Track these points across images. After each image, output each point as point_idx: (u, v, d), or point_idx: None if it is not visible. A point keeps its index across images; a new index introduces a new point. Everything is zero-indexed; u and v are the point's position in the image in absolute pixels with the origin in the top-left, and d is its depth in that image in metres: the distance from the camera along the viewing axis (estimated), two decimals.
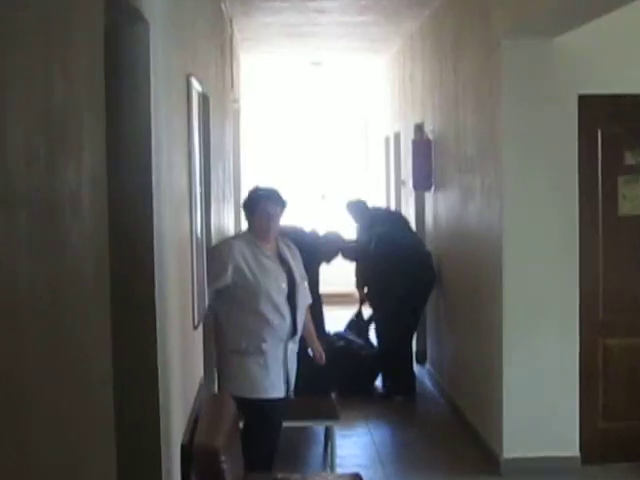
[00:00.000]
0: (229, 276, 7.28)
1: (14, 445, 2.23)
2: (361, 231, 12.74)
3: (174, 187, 5.56)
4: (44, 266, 2.55)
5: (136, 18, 4.30)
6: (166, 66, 5.25)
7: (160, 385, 4.60)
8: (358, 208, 12.96)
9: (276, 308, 7.37)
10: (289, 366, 7.55)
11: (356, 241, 12.63)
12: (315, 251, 11.07)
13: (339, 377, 10.72)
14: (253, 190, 7.77)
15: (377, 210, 13.43)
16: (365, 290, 12.58)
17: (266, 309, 7.31)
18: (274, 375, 7.39)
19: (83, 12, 3.15)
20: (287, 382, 7.57)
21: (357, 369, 11.80)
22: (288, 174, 19.24)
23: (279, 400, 7.49)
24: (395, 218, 12.90)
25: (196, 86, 6.86)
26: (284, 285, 7.47)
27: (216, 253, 7.53)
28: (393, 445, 10.06)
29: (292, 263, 7.64)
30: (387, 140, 17.17)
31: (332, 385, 9.92)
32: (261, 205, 7.44)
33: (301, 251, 9.41)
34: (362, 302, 12.91)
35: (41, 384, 2.49)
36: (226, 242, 7.91)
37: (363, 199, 13.64)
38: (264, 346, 7.32)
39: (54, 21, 2.73)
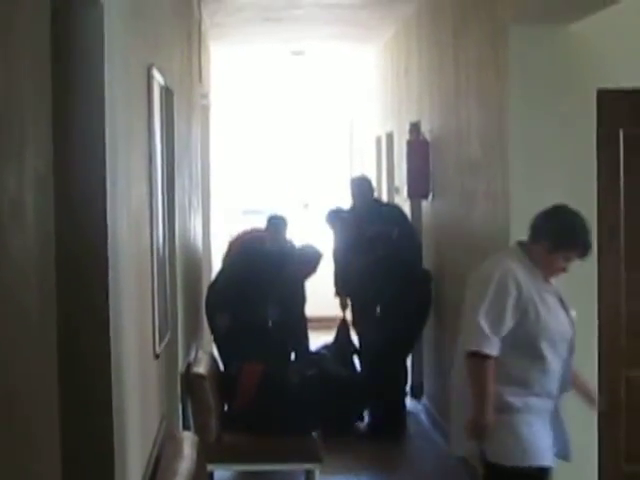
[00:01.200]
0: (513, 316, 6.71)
1: None
2: (353, 222, 12.43)
3: (132, 193, 5.54)
4: None
5: (89, 0, 4.28)
6: (123, 55, 5.25)
7: (115, 426, 4.58)
8: (362, 186, 12.68)
9: (558, 356, 6.94)
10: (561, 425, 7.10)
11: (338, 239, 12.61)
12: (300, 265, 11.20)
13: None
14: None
15: (382, 205, 13.27)
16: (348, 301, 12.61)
17: (547, 356, 6.84)
18: (546, 436, 6.92)
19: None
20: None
21: (339, 399, 11.51)
22: (266, 180, 19.24)
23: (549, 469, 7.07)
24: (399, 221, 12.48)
25: (158, 78, 6.86)
26: (569, 329, 7.03)
27: (496, 285, 6.77)
28: None
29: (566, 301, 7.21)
30: (378, 141, 17.19)
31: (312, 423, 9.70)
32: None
33: (287, 265, 9.53)
34: (344, 308, 12.81)
35: None
36: (506, 269, 6.94)
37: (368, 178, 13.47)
38: (537, 401, 6.89)
39: None
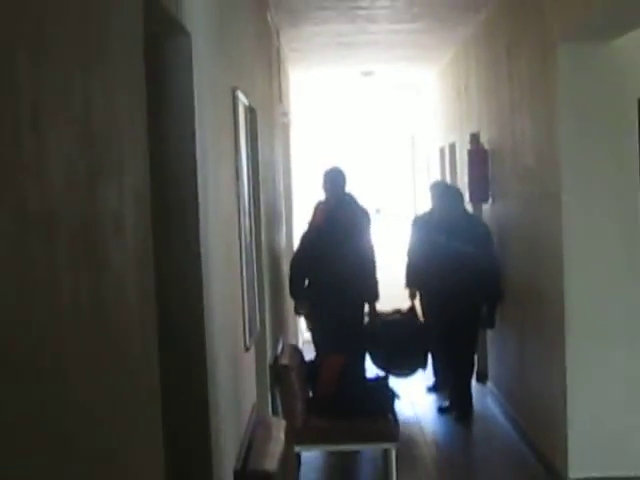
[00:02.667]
0: None
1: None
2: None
3: (222, 205, 5.55)
4: (85, 282, 2.55)
5: (177, 30, 4.30)
6: (210, 79, 5.26)
7: (211, 412, 4.60)
8: (449, 194, 12.16)
9: None
10: None
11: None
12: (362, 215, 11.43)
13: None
14: None
15: (470, 218, 12.44)
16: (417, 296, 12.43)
17: None
18: None
19: (121, 24, 3.15)
20: None
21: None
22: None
23: None
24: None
25: (242, 99, 6.87)
26: None
27: None
28: (455, 466, 9.99)
29: None
30: (442, 151, 17.14)
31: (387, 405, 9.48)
32: None
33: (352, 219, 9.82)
34: (413, 297, 12.47)
35: (86, 404, 2.49)
36: None
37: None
38: None
39: (91, 35, 2.73)
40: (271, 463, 5.51)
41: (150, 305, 3.42)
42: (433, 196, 12.35)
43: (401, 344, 11.30)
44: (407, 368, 11.64)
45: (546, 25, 9.06)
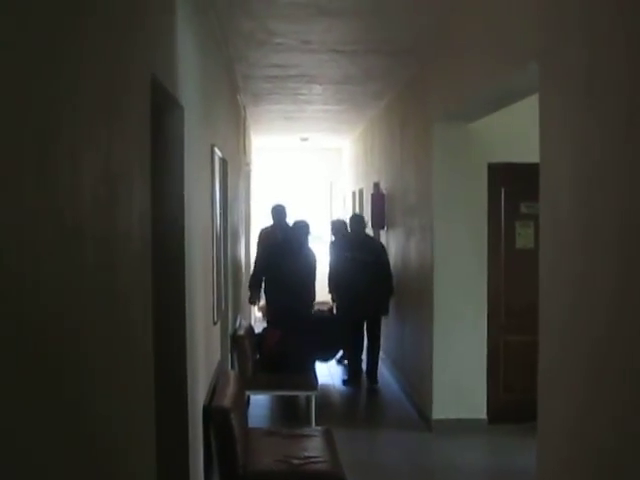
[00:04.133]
0: None
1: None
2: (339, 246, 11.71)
3: (200, 224, 5.56)
4: (106, 279, 2.57)
5: (174, 104, 4.32)
6: (196, 138, 5.28)
7: (188, 365, 4.61)
8: (358, 222, 11.57)
9: None
10: None
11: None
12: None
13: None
14: None
15: (371, 238, 11.87)
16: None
17: None
18: None
19: (135, 99, 3.18)
20: None
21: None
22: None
23: None
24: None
25: (218, 153, 6.88)
26: None
27: None
28: (357, 409, 10.01)
29: None
30: (354, 194, 17.19)
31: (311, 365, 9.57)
32: None
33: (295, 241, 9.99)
34: (334, 301, 11.91)
35: (99, 365, 2.51)
36: None
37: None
38: None
39: (112, 105, 2.76)
40: (228, 401, 5.51)
41: (149, 293, 3.44)
42: (351, 226, 11.65)
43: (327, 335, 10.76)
44: (328, 353, 11.00)
45: (426, 110, 9.14)
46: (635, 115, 3.76)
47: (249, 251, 14.22)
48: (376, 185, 12.82)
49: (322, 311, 11.45)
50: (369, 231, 12.35)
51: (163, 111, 4.28)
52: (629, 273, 3.83)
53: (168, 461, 4.40)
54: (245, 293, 11.86)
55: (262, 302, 11.49)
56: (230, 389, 5.88)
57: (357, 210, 16.01)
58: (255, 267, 10.90)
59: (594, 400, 4.38)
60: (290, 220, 11.31)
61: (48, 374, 1.96)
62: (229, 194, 8.48)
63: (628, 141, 3.82)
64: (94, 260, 2.41)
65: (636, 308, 3.77)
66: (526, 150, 6.52)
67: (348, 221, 12.06)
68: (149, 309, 3.45)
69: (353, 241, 11.32)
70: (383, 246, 11.54)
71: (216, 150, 6.71)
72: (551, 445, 5.08)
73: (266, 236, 11.77)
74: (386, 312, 11.29)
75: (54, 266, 2.01)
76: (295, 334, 9.67)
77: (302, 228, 10.48)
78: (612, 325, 4.03)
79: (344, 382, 11.26)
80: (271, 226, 11.83)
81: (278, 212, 11.92)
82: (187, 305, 4.58)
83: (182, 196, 4.50)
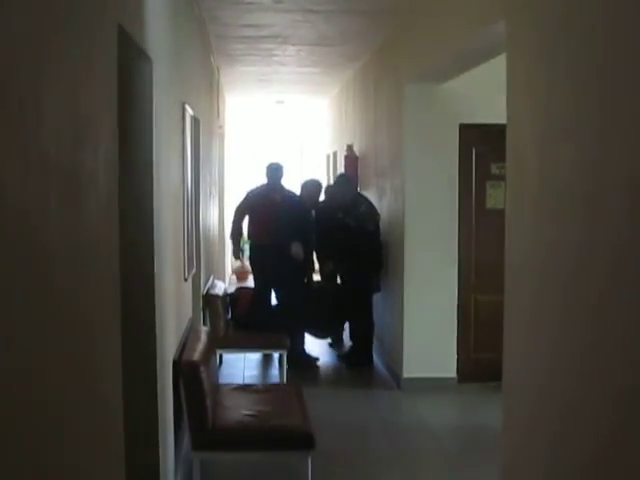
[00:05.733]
0: None
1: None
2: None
3: (171, 181, 5.57)
4: (70, 218, 2.60)
5: (142, 56, 4.31)
6: (166, 94, 5.28)
7: (157, 320, 4.64)
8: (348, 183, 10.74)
9: None
10: None
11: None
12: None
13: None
14: None
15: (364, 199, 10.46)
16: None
17: None
18: None
19: (103, 47, 3.19)
20: None
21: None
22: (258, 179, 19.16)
23: None
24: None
25: (189, 111, 6.88)
26: None
27: None
28: (325, 368, 10.08)
29: None
30: (328, 157, 17.21)
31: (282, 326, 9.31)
32: None
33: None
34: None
35: (65, 315, 2.53)
36: None
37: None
38: None
39: (80, 57, 2.78)
40: (198, 356, 5.57)
41: (116, 238, 3.46)
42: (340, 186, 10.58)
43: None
44: (326, 331, 10.52)
45: (399, 71, 9.19)
46: (603, 71, 3.82)
47: (223, 213, 14.24)
48: (349, 147, 12.85)
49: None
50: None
51: (130, 64, 4.27)
52: (594, 231, 3.91)
53: (137, 414, 4.45)
54: (219, 254, 11.89)
55: (241, 263, 11.42)
56: (200, 345, 5.93)
57: (331, 172, 16.05)
58: (235, 213, 10.51)
59: (557, 359, 4.47)
60: (287, 181, 10.64)
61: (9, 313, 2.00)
62: (201, 154, 8.48)
63: (594, 99, 3.88)
64: (59, 198, 2.44)
65: (601, 265, 3.84)
66: (498, 111, 6.54)
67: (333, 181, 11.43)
68: (116, 260, 3.48)
69: (340, 203, 10.29)
70: (374, 210, 10.23)
71: (187, 108, 6.71)
72: (515, 402, 5.17)
73: (255, 199, 10.37)
74: (378, 289, 10.11)
75: (19, 202, 2.04)
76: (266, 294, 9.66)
77: (278, 170, 10.33)
78: (577, 284, 4.11)
79: (342, 357, 10.34)
80: (265, 185, 10.42)
81: (274, 171, 10.40)
82: (156, 260, 4.61)
83: (151, 153, 4.50)
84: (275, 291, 9.92)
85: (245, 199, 10.49)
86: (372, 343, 10.18)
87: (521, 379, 5.06)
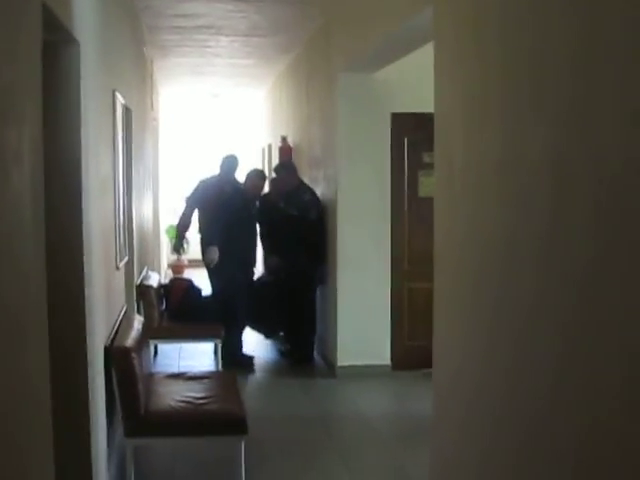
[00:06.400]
0: None
1: None
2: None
3: (100, 169, 5.52)
4: None
5: (68, 38, 4.26)
6: (94, 79, 5.22)
7: (86, 306, 4.61)
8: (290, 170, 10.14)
9: None
10: None
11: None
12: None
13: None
14: None
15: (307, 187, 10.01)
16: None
17: None
18: None
19: (27, 30, 3.16)
20: None
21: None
22: (194, 171, 19.02)
23: None
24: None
25: (120, 99, 6.82)
26: None
27: None
28: (260, 358, 10.09)
29: None
30: (263, 150, 17.21)
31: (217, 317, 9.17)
32: None
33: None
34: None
35: None
36: None
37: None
38: None
39: (5, 37, 2.74)
40: (130, 342, 5.55)
41: (41, 222, 3.42)
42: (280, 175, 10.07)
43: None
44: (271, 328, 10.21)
45: (331, 61, 9.23)
46: (518, 58, 3.88)
47: (158, 206, 14.17)
48: (284, 139, 12.87)
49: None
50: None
51: (56, 45, 4.23)
52: (521, 217, 3.97)
53: (67, 402, 4.44)
54: (154, 246, 11.83)
55: (183, 257, 11.20)
56: (133, 332, 5.92)
57: (266, 163, 16.03)
58: (185, 205, 10.11)
59: (486, 347, 4.54)
60: (241, 174, 10.19)
61: None
62: (134, 145, 8.41)
63: (520, 86, 3.94)
64: None
65: (529, 250, 3.91)
66: (429, 100, 6.66)
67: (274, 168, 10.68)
68: (42, 245, 3.43)
69: (281, 193, 9.92)
70: (316, 199, 9.75)
71: (118, 96, 6.66)
72: (445, 389, 5.25)
73: (206, 190, 9.87)
74: (322, 281, 9.68)
75: None
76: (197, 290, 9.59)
77: (232, 161, 9.97)
78: (505, 270, 4.18)
79: (282, 353, 10.13)
80: (217, 176, 9.98)
81: (227, 162, 10.00)
82: (85, 247, 4.58)
83: (78, 138, 4.45)
84: (213, 285, 9.73)
85: (195, 190, 10.05)
86: (314, 339, 9.88)
87: (450, 366, 5.14)
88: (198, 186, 10.04)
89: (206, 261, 9.40)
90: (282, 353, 10.06)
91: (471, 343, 4.70)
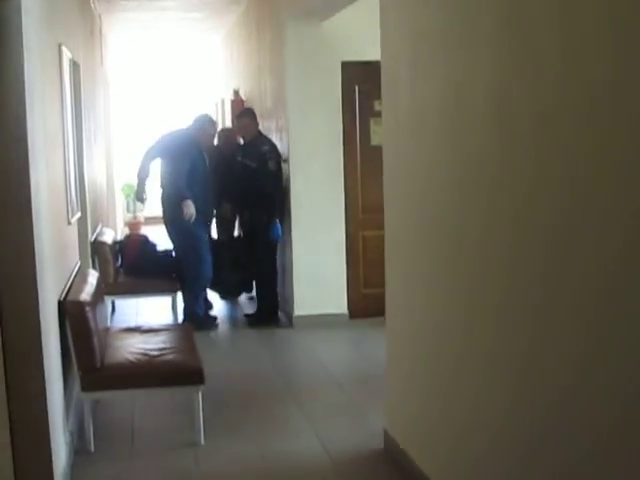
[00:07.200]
0: None
1: None
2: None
3: (48, 125, 5.47)
4: None
5: None
6: (39, 32, 5.15)
7: (37, 261, 4.58)
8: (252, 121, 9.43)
9: None
10: None
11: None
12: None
13: None
14: None
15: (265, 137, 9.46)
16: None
17: None
18: None
19: None
20: None
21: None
22: (150, 123, 18.87)
23: None
24: None
25: (67, 52, 6.74)
26: None
27: None
28: (228, 310, 10.12)
29: None
30: (217, 105, 17.09)
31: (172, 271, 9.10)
32: None
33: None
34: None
35: None
36: None
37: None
38: None
39: None
40: (84, 296, 5.55)
41: None
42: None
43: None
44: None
45: (279, 11, 9.19)
46: (462, 7, 3.90)
47: (111, 163, 14.07)
48: (236, 92, 12.81)
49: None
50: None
51: None
52: (462, 159, 4.02)
53: (19, 354, 4.43)
54: (109, 203, 11.75)
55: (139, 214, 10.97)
56: (87, 286, 5.91)
57: (220, 117, 15.93)
58: (144, 154, 9.46)
59: (433, 295, 4.60)
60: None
61: None
62: (83, 100, 8.32)
63: (461, 32, 3.96)
64: None
65: (470, 183, 3.95)
66: (379, 47, 6.66)
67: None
68: None
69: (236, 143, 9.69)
70: (275, 150, 9.19)
71: (65, 50, 6.59)
72: (397, 336, 5.33)
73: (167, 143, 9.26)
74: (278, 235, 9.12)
75: None
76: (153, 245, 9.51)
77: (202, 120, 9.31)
78: (453, 215, 4.24)
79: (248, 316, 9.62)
80: (182, 130, 9.36)
81: (197, 120, 9.31)
82: (33, 201, 4.54)
83: (22, 94, 4.39)
84: (176, 244, 9.27)
85: (158, 142, 9.39)
86: (277, 298, 9.43)
87: (402, 312, 5.21)
88: (162, 138, 9.40)
89: (185, 217, 8.76)
90: (247, 316, 9.54)
91: (423, 288, 4.76)
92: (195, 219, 8.81)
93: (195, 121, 9.26)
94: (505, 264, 3.53)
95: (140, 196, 9.51)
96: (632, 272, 2.57)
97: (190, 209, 8.74)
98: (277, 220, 8.98)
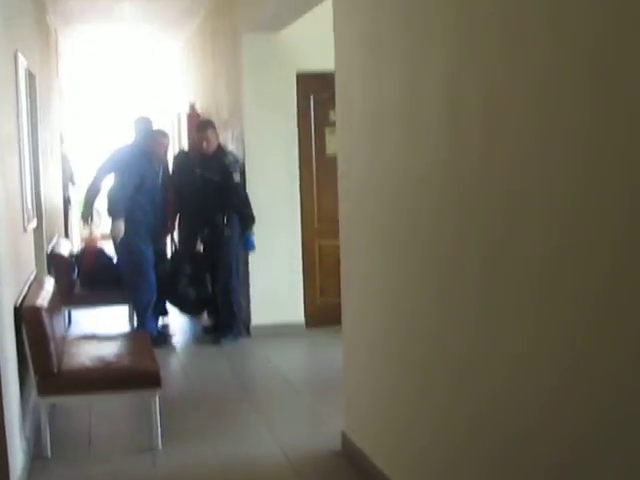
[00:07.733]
0: None
1: None
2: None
3: (3, 132, 5.43)
4: None
5: None
6: None
7: None
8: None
9: None
10: None
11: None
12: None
13: None
14: None
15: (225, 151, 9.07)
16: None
17: None
18: None
19: None
20: None
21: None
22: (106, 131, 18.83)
23: None
24: None
25: (23, 61, 6.72)
26: None
27: None
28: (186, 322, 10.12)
29: None
30: (172, 122, 17.00)
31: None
32: None
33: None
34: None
35: None
36: None
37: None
38: None
39: None
40: (40, 302, 5.55)
41: None
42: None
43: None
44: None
45: (235, 23, 9.25)
46: (413, 10, 3.99)
47: (66, 174, 13.98)
48: (192, 106, 12.84)
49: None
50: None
51: None
52: (418, 165, 4.09)
53: None
54: (65, 215, 11.68)
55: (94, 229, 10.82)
56: (43, 292, 5.91)
57: (177, 133, 15.90)
58: (96, 173, 9.17)
59: (384, 289, 4.67)
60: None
61: None
62: (39, 111, 8.30)
63: (415, 35, 4.04)
64: None
65: (414, 190, 4.03)
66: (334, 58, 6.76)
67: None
68: None
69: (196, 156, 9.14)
70: (237, 161, 8.91)
71: (21, 57, 6.57)
72: (353, 344, 5.40)
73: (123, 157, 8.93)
74: (250, 246, 8.92)
75: None
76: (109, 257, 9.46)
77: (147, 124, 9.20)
78: (393, 218, 4.32)
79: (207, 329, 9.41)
80: (132, 143, 9.14)
81: (143, 124, 9.21)
82: None
83: None
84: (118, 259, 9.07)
85: (109, 159, 9.08)
86: (238, 311, 9.00)
87: (357, 322, 5.29)
88: (113, 154, 9.09)
89: (111, 234, 8.68)
90: (205, 329, 9.37)
91: (377, 295, 4.83)
92: (139, 233, 8.62)
93: (142, 130, 9.04)
94: (453, 265, 3.62)
95: (85, 216, 9.27)
96: (574, 249, 2.65)
97: (115, 229, 8.57)
98: (250, 232, 8.76)
